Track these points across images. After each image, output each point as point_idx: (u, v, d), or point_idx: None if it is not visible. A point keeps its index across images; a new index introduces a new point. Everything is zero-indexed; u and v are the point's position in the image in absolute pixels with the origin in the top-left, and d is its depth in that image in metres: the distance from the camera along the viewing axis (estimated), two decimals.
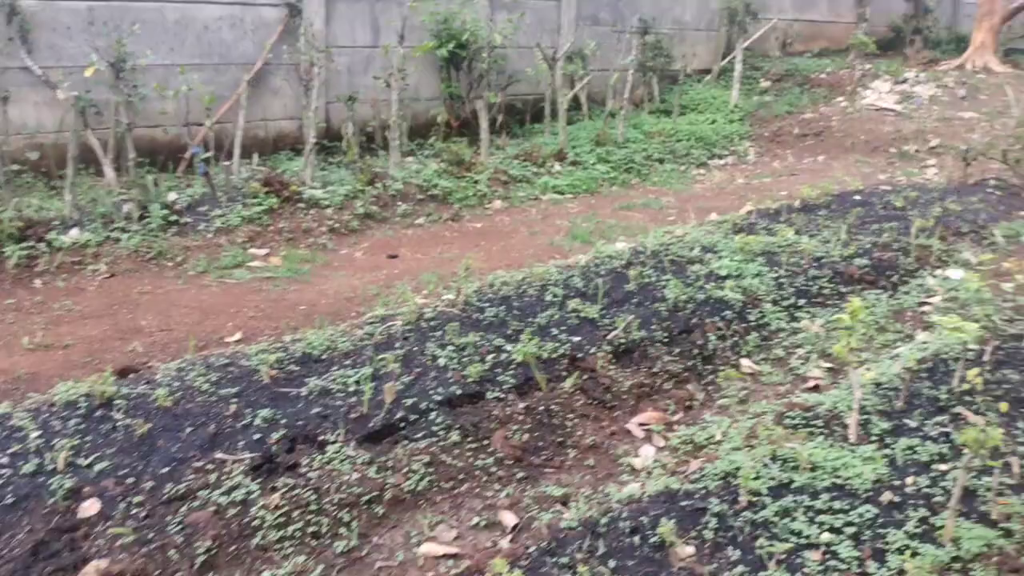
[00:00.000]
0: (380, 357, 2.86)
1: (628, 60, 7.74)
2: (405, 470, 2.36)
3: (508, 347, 3.04)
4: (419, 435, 2.50)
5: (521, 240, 5.18)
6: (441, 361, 2.90)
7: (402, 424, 2.54)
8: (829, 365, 3.35)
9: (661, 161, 7.35)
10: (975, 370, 2.50)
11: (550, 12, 8.22)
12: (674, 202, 6.22)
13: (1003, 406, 2.42)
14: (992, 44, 9.94)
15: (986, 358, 3.03)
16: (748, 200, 5.74)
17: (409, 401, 2.63)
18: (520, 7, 7.72)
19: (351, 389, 2.71)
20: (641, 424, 2.87)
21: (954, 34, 11.87)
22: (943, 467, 2.35)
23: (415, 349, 2.99)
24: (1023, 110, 6.66)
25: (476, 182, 6.12)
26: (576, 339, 3.22)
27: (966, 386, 2.62)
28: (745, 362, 3.42)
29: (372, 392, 2.63)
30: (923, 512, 2.14)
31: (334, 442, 2.45)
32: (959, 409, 2.67)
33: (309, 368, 2.88)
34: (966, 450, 2.08)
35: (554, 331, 3.25)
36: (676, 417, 2.98)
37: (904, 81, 8.98)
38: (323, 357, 2.95)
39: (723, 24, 9.52)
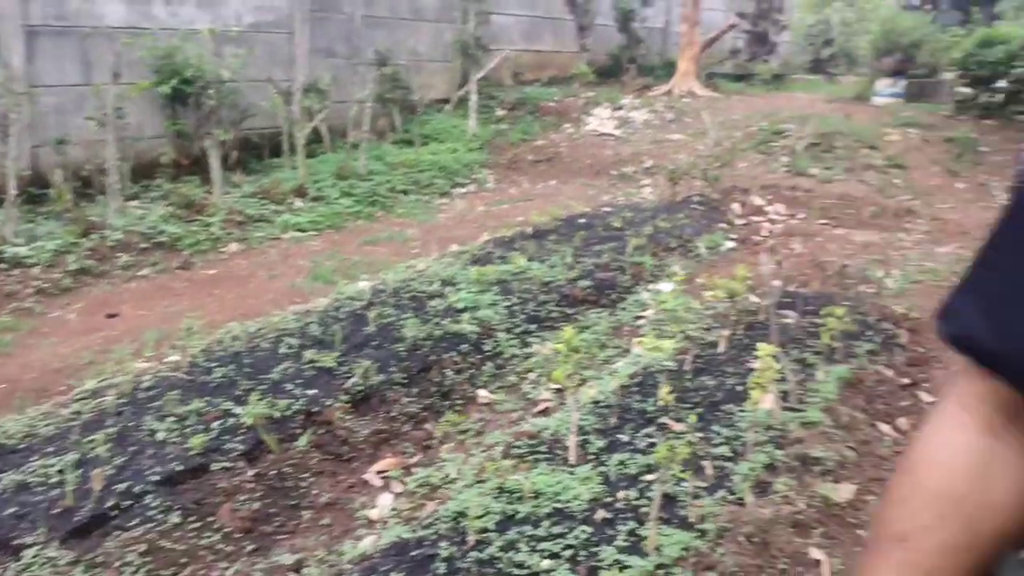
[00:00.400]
0: (89, 439, 2.63)
1: (366, 92, 7.78)
2: (118, 564, 2.19)
3: (237, 410, 2.92)
4: (134, 523, 2.32)
5: (259, 285, 5.01)
6: (160, 435, 2.72)
7: (114, 513, 2.35)
8: (557, 386, 3.57)
9: (405, 192, 7.44)
10: (666, 388, 2.79)
11: (283, 45, 8.07)
12: (419, 234, 6.32)
13: (692, 417, 2.72)
14: (694, 70, 11.18)
15: (687, 367, 3.39)
16: (487, 228, 5.98)
17: (122, 486, 2.44)
18: (249, 41, 7.50)
19: (54, 480, 2.46)
20: (379, 472, 2.88)
21: (665, 60, 13.13)
22: (650, 478, 2.59)
23: (131, 424, 2.79)
24: (716, 132, 7.53)
25: (208, 225, 5.83)
26: (312, 392, 3.17)
27: (669, 399, 2.92)
28: (482, 393, 3.55)
29: (78, 481, 2.42)
30: (632, 525, 2.34)
31: (33, 544, 2.22)
32: (664, 419, 2.96)
33: (4, 461, 2.59)
34: (660, 463, 2.31)
35: (289, 386, 3.18)
36: (415, 459, 3.03)
37: (621, 107, 9.82)
38: (21, 446, 2.66)
39: (457, 56, 9.86)
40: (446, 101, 9.84)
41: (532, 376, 3.68)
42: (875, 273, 4.91)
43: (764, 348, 2.65)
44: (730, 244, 5.69)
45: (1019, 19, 12.43)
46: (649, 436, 2.84)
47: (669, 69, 12.17)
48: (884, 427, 3.03)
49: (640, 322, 4.26)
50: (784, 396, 2.98)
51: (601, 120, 9.36)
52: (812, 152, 7.77)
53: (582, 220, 5.94)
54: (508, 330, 3.99)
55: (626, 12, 11.54)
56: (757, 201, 6.58)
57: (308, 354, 3.42)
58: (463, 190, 7.92)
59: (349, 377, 3.30)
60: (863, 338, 3.68)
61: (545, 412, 3.33)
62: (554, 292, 4.41)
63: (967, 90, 9.08)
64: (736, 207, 6.45)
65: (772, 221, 6.19)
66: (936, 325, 0.69)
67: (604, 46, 12.62)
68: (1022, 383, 0.62)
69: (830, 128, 8.18)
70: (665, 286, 4.71)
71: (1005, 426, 0.66)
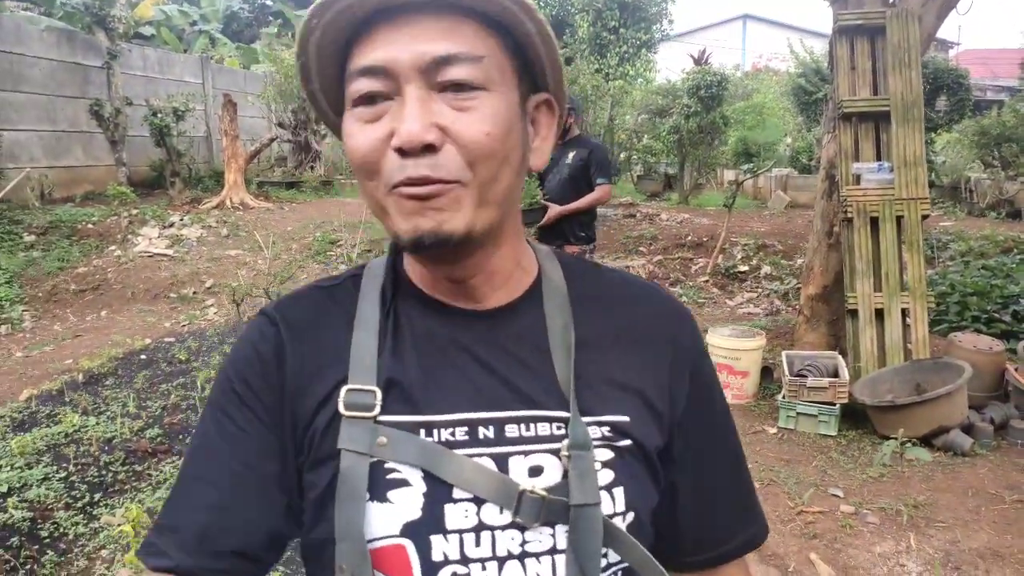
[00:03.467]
0: None
1: None
2: None
3: None
4: None
5: None
6: None
7: None
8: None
9: None
10: None
11: None
12: None
13: None
14: (243, 182, 11.28)
15: None
16: (28, 381, 5.32)
17: None
18: None
19: None
20: None
21: (213, 170, 13.01)
22: None
23: None
24: (274, 246, 7.72)
25: None
26: None
27: None
28: None
29: None
30: None
31: None
32: None
33: None
34: None
35: None
36: None
37: (172, 225, 9.50)
38: None
39: None
40: None
41: (105, 553, 3.37)
42: None
43: None
44: None
45: None
46: None
47: (218, 180, 12.09)
48: None
49: None
50: None
51: (151, 240, 8.93)
52: (366, 259, 8.35)
53: (143, 356, 5.61)
54: (68, 506, 3.60)
55: (160, 128, 11.25)
56: None
57: None
58: None
59: None
60: None
61: None
62: (118, 450, 4.10)
63: None
64: None
65: None
66: (144, 563, 0.79)
67: (144, 158, 12.11)
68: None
69: (379, 235, 8.90)
70: None
71: None
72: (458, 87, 0.72)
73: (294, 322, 0.85)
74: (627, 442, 0.81)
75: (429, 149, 0.71)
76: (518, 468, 0.77)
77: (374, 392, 0.78)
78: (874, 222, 5.04)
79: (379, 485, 0.76)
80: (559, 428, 0.79)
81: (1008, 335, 5.73)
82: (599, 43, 21.74)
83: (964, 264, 7.65)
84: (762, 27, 35.39)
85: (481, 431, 0.78)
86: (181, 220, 9.69)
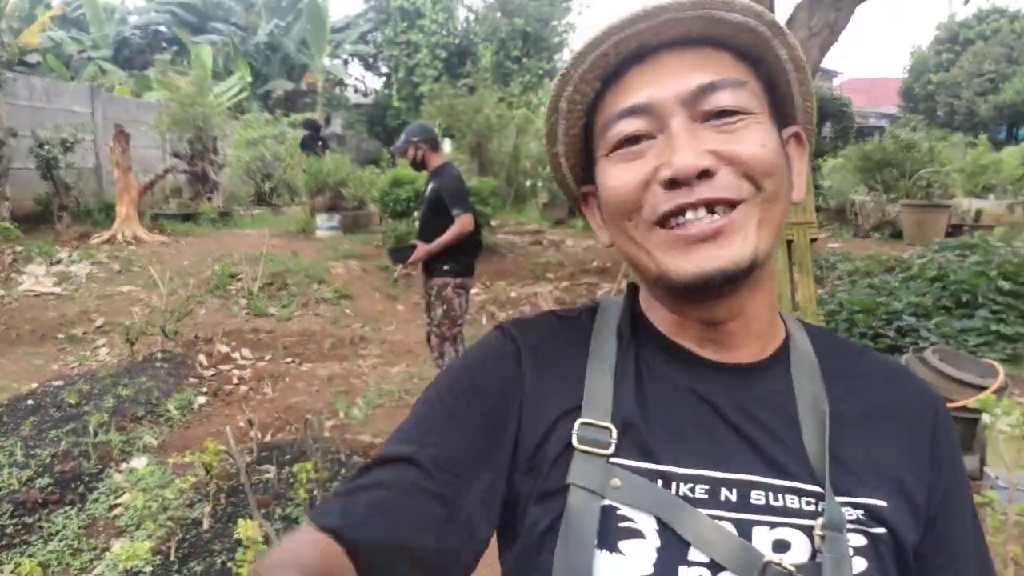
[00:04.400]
0: None
1: None
2: None
3: None
4: None
5: None
6: None
7: None
8: None
9: None
10: None
11: None
12: None
13: None
14: (136, 215, 10.85)
15: (172, 557, 3.29)
16: None
17: None
18: None
19: None
20: None
21: (103, 203, 12.39)
22: None
23: None
24: (170, 282, 7.45)
25: None
26: None
27: None
28: None
29: None
30: None
31: None
32: None
33: None
34: None
35: None
36: None
37: (59, 261, 9.04)
38: None
39: None
40: None
41: None
42: (342, 405, 5.38)
43: (244, 525, 2.75)
44: (202, 399, 5.65)
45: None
46: None
47: (109, 213, 11.57)
48: None
49: (117, 511, 3.98)
50: None
51: (37, 278, 8.47)
52: (268, 292, 8.19)
53: (30, 402, 5.30)
54: None
55: (47, 160, 10.74)
56: (223, 349, 6.67)
57: None
58: None
59: None
60: (339, 477, 4.01)
61: None
62: (6, 502, 3.86)
63: (391, 221, 10.56)
64: (203, 359, 6.45)
65: (241, 367, 6.33)
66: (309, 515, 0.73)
67: (29, 191, 11.49)
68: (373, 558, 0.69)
69: (281, 267, 8.72)
70: (139, 462, 4.49)
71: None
72: (723, 114, 0.72)
73: (532, 343, 0.82)
74: (882, 530, 0.74)
75: (704, 175, 0.70)
76: (762, 539, 0.71)
77: (610, 430, 0.74)
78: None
79: (610, 532, 0.70)
80: (809, 504, 0.72)
81: (893, 350, 6.07)
82: (502, 72, 22.10)
83: (851, 283, 8.09)
84: None
85: (724, 492, 0.72)
86: (70, 256, 9.24)
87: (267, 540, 3.10)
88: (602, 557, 0.69)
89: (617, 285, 9.02)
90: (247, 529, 2.74)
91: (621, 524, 0.70)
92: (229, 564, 3.11)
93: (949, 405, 4.06)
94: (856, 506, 0.73)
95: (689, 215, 0.71)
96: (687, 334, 0.81)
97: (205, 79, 15.39)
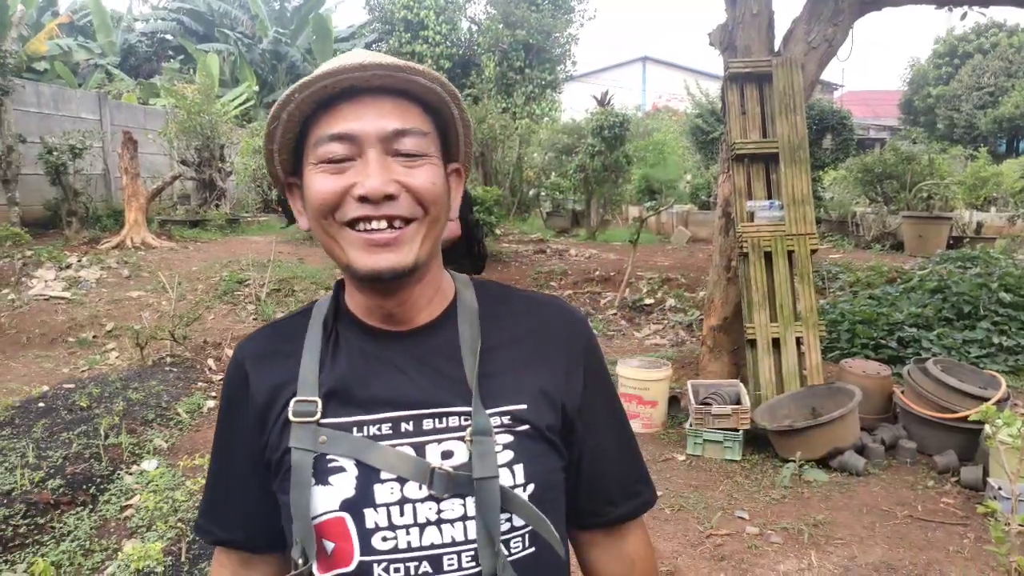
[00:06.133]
0: None
1: None
2: None
3: None
4: None
5: None
6: None
7: None
8: None
9: None
10: None
11: None
12: None
13: None
14: (144, 221, 10.95)
15: (183, 559, 3.35)
16: None
17: None
18: None
19: None
20: None
21: (112, 209, 12.50)
22: None
23: None
24: (179, 287, 7.52)
25: None
26: None
27: None
28: None
29: None
30: None
31: None
32: None
33: None
34: None
35: None
36: None
37: (69, 266, 9.12)
38: None
39: None
40: None
41: None
42: None
43: None
44: (211, 403, 5.72)
45: None
46: None
47: (118, 219, 11.68)
48: None
49: (128, 512, 4.04)
50: None
51: (47, 283, 8.55)
52: (275, 298, 8.26)
53: (41, 404, 5.37)
54: None
55: (56, 166, 10.83)
56: (231, 354, 6.73)
57: None
58: None
59: None
60: None
61: None
62: (19, 502, 3.92)
63: None
64: (211, 363, 6.52)
65: None
66: (196, 534, 1.18)
67: (38, 197, 11.61)
68: (242, 546, 1.13)
69: (288, 273, 8.81)
70: (149, 464, 4.55)
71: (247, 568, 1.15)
72: (408, 155, 0.96)
73: (252, 353, 1.11)
74: (525, 427, 1.00)
75: (389, 198, 0.94)
76: (433, 453, 0.97)
77: (316, 402, 1.00)
78: (768, 256, 5.35)
79: (323, 472, 0.97)
80: (466, 420, 0.98)
81: (894, 360, 6.13)
82: (505, 83, 22.21)
83: (853, 294, 8.15)
84: (661, 69, 36.78)
85: (403, 426, 0.99)
86: (79, 261, 9.32)
87: None
88: (317, 490, 0.97)
89: (620, 293, 9.09)
90: None
91: (330, 465, 0.97)
92: None
93: (951, 416, 4.13)
94: (503, 413, 0.99)
95: (375, 224, 0.95)
96: (374, 315, 1.05)
97: (212, 87, 15.49)
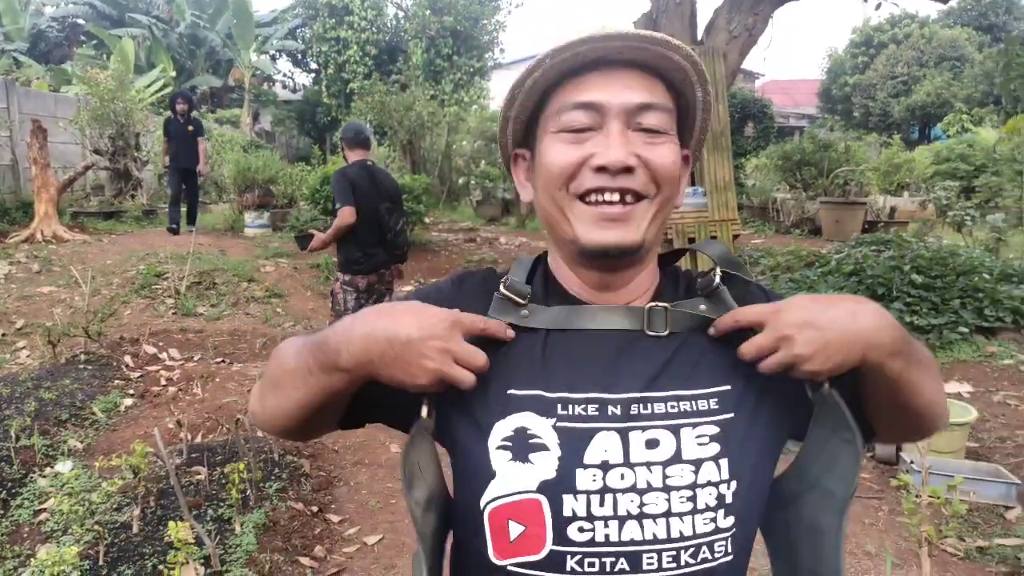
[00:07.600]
0: None
1: None
2: None
3: None
4: None
5: None
6: None
7: None
8: None
9: None
10: None
11: None
12: None
13: None
14: (55, 213, 10.48)
15: (101, 561, 3.23)
16: None
17: None
18: None
19: None
20: None
21: (21, 201, 11.90)
22: None
23: None
24: (93, 282, 7.23)
25: None
26: None
27: None
28: None
29: None
30: None
31: None
32: None
33: None
34: None
35: None
36: None
37: None
38: None
39: None
40: None
41: None
42: None
43: (174, 526, 2.73)
44: (129, 402, 5.52)
45: None
46: None
47: (27, 211, 11.15)
48: (304, 560, 3.37)
49: (42, 517, 3.87)
50: (206, 562, 3.09)
51: None
52: (196, 291, 8.01)
53: None
54: None
55: None
56: (150, 349, 6.52)
57: None
58: None
59: None
60: (272, 477, 4.00)
61: None
62: None
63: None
64: (129, 360, 6.29)
65: (169, 368, 6.19)
66: None
67: None
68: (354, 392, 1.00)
69: (209, 266, 8.55)
70: (64, 466, 4.37)
71: None
72: (650, 130, 0.94)
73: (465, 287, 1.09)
74: (730, 415, 0.94)
75: (627, 170, 0.92)
76: (636, 440, 0.92)
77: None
78: (691, 242, 5.45)
79: (521, 449, 0.91)
80: (673, 407, 0.94)
81: None
82: (433, 70, 22.03)
83: (773, 278, 8.37)
84: None
85: (610, 409, 0.93)
86: None
87: (198, 541, 3.09)
88: (514, 466, 0.90)
89: None
90: (177, 531, 2.73)
91: (531, 441, 0.91)
92: (160, 567, 3.07)
93: None
94: (709, 396, 0.94)
95: (607, 196, 0.92)
96: (585, 291, 1.02)
97: (127, 73, 14.91)
